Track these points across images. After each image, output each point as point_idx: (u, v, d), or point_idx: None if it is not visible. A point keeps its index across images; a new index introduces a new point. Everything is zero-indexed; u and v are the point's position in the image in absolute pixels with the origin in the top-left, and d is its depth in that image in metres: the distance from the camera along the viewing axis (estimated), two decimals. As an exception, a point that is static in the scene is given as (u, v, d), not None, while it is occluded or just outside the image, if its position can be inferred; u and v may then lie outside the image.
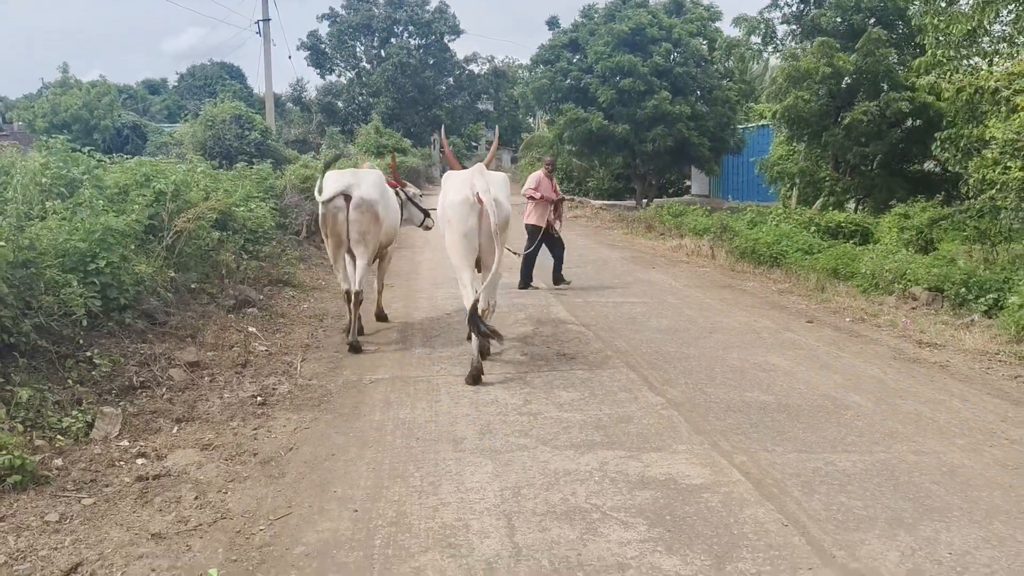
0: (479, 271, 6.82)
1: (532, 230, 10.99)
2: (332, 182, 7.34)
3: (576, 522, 3.83)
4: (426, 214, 9.06)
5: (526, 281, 10.86)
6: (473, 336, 6.30)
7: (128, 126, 27.13)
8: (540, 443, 4.92)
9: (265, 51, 27.56)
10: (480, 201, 6.42)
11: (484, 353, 6.70)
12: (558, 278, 10.98)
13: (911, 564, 3.43)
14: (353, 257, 7.44)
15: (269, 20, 27.72)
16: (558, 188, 11.35)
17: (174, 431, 5.09)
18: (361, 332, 7.66)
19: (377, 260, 8.24)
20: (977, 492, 4.19)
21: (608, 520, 3.85)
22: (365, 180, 7.42)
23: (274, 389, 6.01)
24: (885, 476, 4.39)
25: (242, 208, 9.63)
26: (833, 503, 4.04)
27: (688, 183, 32.32)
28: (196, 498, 4.14)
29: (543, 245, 10.96)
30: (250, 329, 7.61)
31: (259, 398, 5.74)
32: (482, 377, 6.28)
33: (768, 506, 4.00)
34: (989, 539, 3.67)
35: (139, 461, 4.59)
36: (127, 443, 4.80)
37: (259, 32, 27.76)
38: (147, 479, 4.34)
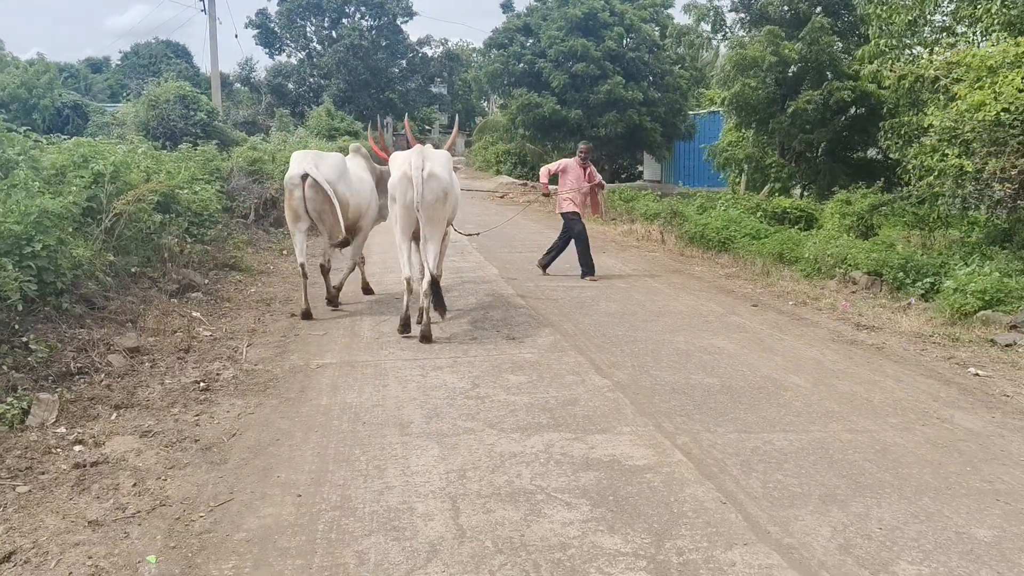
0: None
1: (565, 218, 10.75)
2: (295, 163, 7.85)
3: (520, 503, 3.86)
4: None
5: (587, 269, 10.56)
6: (407, 308, 7.15)
7: (69, 105, 26.17)
8: (487, 426, 4.94)
9: (210, 29, 27.00)
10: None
11: (427, 338, 7.05)
12: (547, 263, 10.79)
13: (842, 539, 3.54)
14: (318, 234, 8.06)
15: (215, -2, 27.08)
16: (596, 175, 10.90)
17: (113, 418, 4.98)
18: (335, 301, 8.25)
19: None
20: (908, 469, 4.34)
21: (552, 501, 3.89)
22: (324, 161, 7.86)
23: (218, 374, 5.92)
24: (820, 454, 4.52)
25: (186, 190, 9.42)
26: (770, 481, 4.14)
27: (640, 168, 32.55)
28: (135, 485, 4.07)
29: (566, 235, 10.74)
30: (194, 314, 7.48)
31: (202, 384, 5.65)
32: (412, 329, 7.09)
33: (708, 485, 4.08)
34: (918, 515, 3.80)
35: (76, 448, 4.49)
36: (64, 430, 4.69)
37: (204, 10, 27.15)
38: (84, 466, 4.25)
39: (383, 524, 3.65)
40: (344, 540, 3.51)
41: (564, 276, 10.67)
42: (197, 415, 5.09)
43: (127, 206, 7.44)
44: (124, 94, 29.17)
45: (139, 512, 3.79)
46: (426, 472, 4.24)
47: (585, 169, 10.74)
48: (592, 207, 11.01)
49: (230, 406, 5.29)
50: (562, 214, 10.85)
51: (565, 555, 3.38)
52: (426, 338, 6.94)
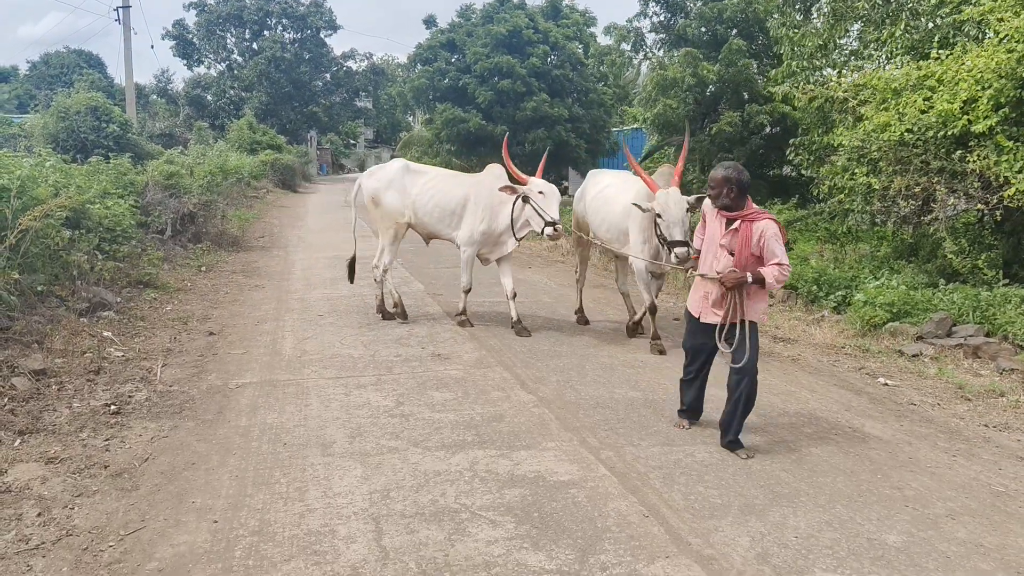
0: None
1: (687, 319, 5.24)
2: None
3: (445, 523, 3.83)
4: (548, 223, 7.79)
5: (687, 413, 5.37)
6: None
7: (-29, 116, 25.05)
8: (411, 445, 4.89)
9: (125, 40, 26.17)
10: None
11: None
12: (731, 441, 4.89)
13: (760, 548, 3.62)
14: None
15: (129, 7, 26.34)
16: (771, 247, 4.67)
17: (16, 444, 4.74)
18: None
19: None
20: (822, 478, 4.48)
21: (477, 519, 3.87)
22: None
23: (130, 397, 5.69)
24: (740, 465, 4.62)
25: (97, 205, 9.06)
26: (691, 493, 4.21)
27: (565, 184, 32.88)
28: (39, 515, 3.87)
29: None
30: (105, 333, 7.19)
31: (113, 406, 5.42)
32: None
33: (631, 499, 4.12)
34: (831, 522, 3.92)
35: (-25, 478, 4.25)
36: (-39, 459, 4.43)
37: (119, 20, 26.34)
38: (-17, 497, 4.03)
39: (303, 548, 3.56)
40: (262, 567, 3.41)
41: (487, 290, 10.66)
42: (107, 440, 4.88)
43: (34, 222, 7.09)
44: (32, 105, 28.00)
45: (43, 543, 3.60)
46: (349, 493, 4.16)
47: (731, 222, 4.83)
48: (732, 308, 4.80)
49: (142, 429, 5.09)
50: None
51: (490, 574, 3.36)
52: None
